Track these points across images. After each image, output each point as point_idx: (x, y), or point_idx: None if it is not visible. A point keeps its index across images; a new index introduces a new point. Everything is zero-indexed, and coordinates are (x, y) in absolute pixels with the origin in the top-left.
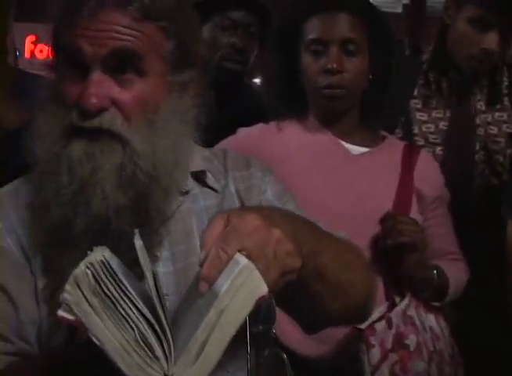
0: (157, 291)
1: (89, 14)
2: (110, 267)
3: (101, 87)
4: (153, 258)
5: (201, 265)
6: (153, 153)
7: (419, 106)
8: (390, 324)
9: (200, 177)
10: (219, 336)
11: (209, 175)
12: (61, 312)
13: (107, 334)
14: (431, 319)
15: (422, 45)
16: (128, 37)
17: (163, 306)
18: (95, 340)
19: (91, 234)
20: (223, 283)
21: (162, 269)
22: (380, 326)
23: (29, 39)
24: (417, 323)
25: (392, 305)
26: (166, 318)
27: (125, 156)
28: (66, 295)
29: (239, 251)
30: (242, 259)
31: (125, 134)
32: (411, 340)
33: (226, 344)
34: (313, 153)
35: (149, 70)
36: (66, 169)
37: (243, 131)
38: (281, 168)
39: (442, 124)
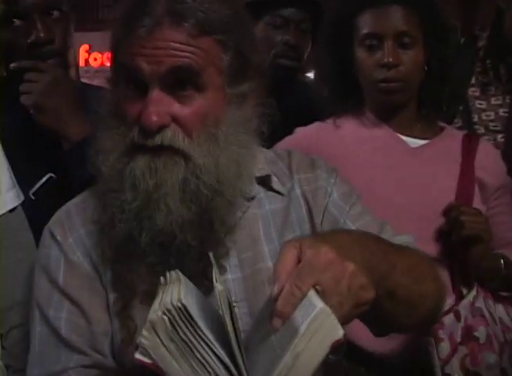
0: (236, 333)
1: (146, 33)
2: (187, 312)
3: (161, 105)
4: (222, 269)
5: (275, 299)
6: (216, 166)
7: (477, 93)
8: (458, 317)
9: (265, 181)
10: None
11: (274, 178)
12: (138, 356)
13: None
14: (500, 310)
15: (475, 30)
16: (186, 54)
17: (240, 349)
18: None
19: (157, 248)
20: (298, 321)
21: (230, 276)
22: (449, 319)
23: (83, 48)
24: (486, 314)
25: (459, 298)
26: (243, 360)
27: (188, 170)
28: (143, 340)
29: (313, 286)
30: (318, 301)
31: (187, 149)
32: (480, 332)
33: None
34: (372, 148)
35: (208, 84)
36: (130, 186)
37: (300, 131)
38: (340, 164)
39: (502, 111)
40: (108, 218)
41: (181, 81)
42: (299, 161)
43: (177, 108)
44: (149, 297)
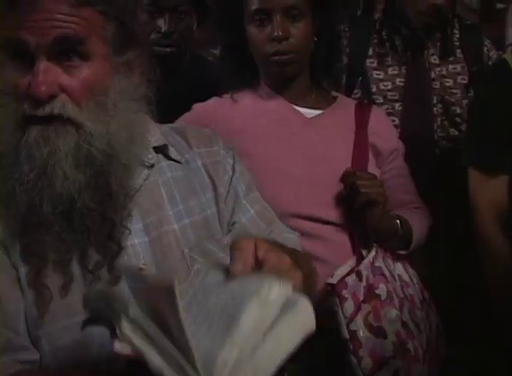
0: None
1: (28, 6)
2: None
3: (48, 75)
4: (126, 231)
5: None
6: (107, 132)
7: (374, 64)
8: (360, 277)
9: (163, 151)
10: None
11: (171, 148)
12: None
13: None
14: (399, 268)
15: (374, 3)
16: (69, 25)
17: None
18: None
19: (60, 216)
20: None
21: (136, 240)
22: (351, 279)
23: None
24: (386, 272)
25: (360, 259)
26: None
27: (80, 137)
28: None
29: None
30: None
31: (77, 117)
32: (381, 289)
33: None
34: (269, 121)
35: (93, 53)
36: (26, 157)
37: (198, 107)
38: (240, 137)
39: (399, 81)
40: (8, 192)
41: (66, 51)
42: (197, 136)
43: (64, 78)
44: (60, 265)
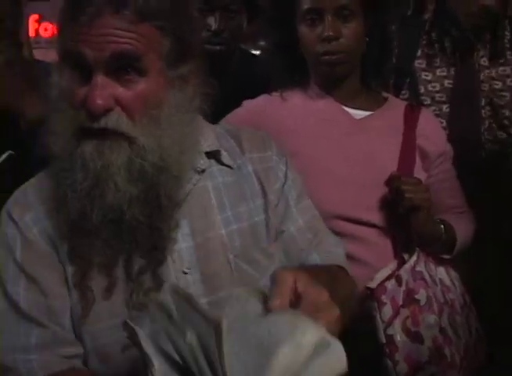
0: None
1: (88, 20)
2: None
3: (104, 89)
4: (172, 241)
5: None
6: (159, 146)
7: (423, 65)
8: (400, 281)
9: (215, 156)
10: None
11: (224, 153)
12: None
13: None
14: (441, 272)
15: (426, 3)
16: (127, 40)
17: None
18: None
19: (109, 225)
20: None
21: (183, 244)
22: (391, 284)
23: (32, 18)
24: (427, 277)
25: (401, 263)
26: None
27: (132, 152)
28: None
29: None
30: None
31: (131, 132)
32: (421, 294)
33: None
34: (318, 121)
35: (149, 68)
36: (80, 166)
37: (248, 104)
38: (289, 137)
39: (447, 83)
40: (61, 197)
41: (123, 66)
42: (250, 140)
43: (120, 92)
44: (105, 268)
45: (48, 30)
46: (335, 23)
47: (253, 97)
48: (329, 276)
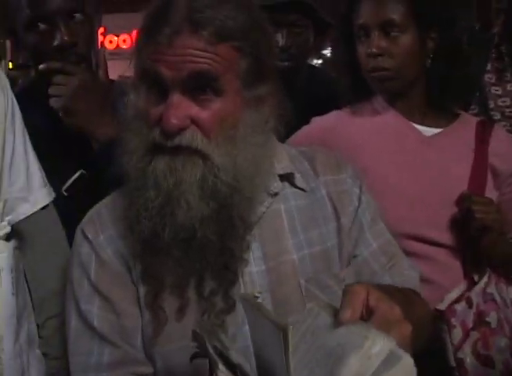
0: None
1: (166, 40)
2: None
3: (180, 108)
4: (243, 262)
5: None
6: (234, 165)
7: (493, 80)
8: (470, 304)
9: (289, 179)
10: None
11: (297, 175)
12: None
13: None
14: None
15: (492, 17)
16: (204, 60)
17: None
18: None
19: (180, 243)
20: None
21: (255, 268)
22: (461, 307)
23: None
24: (497, 299)
25: (471, 284)
26: None
27: (206, 169)
28: None
29: None
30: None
31: (205, 149)
32: (492, 317)
33: None
34: (386, 137)
35: (226, 89)
36: (153, 184)
37: (317, 121)
38: (357, 153)
39: None
40: (134, 216)
41: (200, 86)
42: (324, 162)
43: (196, 111)
44: (177, 288)
45: (112, 42)
46: (379, 39)
47: (321, 114)
48: (402, 295)
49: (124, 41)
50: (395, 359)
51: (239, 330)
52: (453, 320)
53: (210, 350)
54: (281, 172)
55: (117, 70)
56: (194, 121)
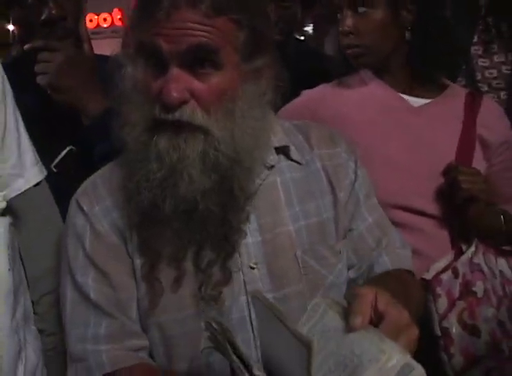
0: None
1: (165, 14)
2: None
3: (180, 81)
4: (242, 233)
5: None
6: (233, 138)
7: (480, 52)
8: (456, 274)
9: (284, 151)
10: None
11: (292, 148)
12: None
13: None
14: (502, 264)
15: None
16: (202, 33)
17: None
18: None
19: (181, 215)
20: None
21: (250, 239)
22: (447, 276)
23: None
24: (485, 269)
25: (459, 254)
26: None
27: (207, 143)
28: None
29: None
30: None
31: (205, 124)
32: (478, 287)
33: None
34: (374, 108)
35: (225, 62)
36: (155, 157)
37: (306, 93)
38: (345, 123)
39: (505, 69)
40: (133, 186)
41: (199, 60)
42: (318, 136)
43: (195, 84)
44: (174, 260)
45: (93, 21)
46: (349, 18)
47: (310, 87)
48: (403, 286)
49: (105, 19)
50: (408, 371)
51: (235, 302)
52: (438, 290)
53: (235, 358)
54: (277, 145)
55: (97, 50)
56: (193, 95)
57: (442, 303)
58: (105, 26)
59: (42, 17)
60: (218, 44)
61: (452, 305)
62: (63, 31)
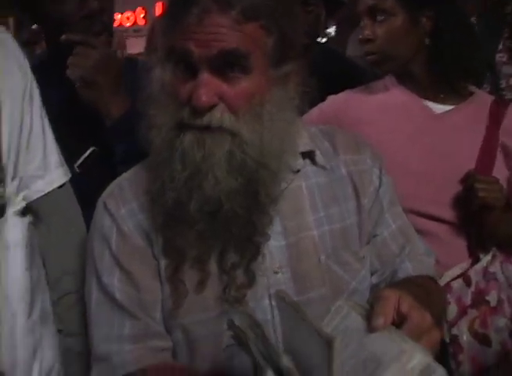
0: None
1: (196, 19)
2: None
3: (209, 86)
4: (265, 237)
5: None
6: (260, 141)
7: (504, 59)
8: (468, 282)
9: (310, 156)
10: None
11: (318, 153)
12: None
13: None
14: None
15: None
16: (233, 39)
17: None
18: None
19: (205, 216)
20: None
21: (274, 242)
22: (457, 284)
23: None
24: (500, 278)
25: (475, 262)
26: None
27: (234, 144)
28: None
29: None
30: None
31: (234, 127)
32: (491, 296)
33: None
34: (394, 114)
35: (254, 67)
36: (180, 157)
37: (331, 98)
38: (367, 129)
39: None
40: (158, 187)
41: (229, 64)
42: (344, 142)
43: (225, 88)
44: (199, 262)
45: (115, 19)
46: (368, 26)
47: (334, 91)
48: (425, 292)
49: (128, 18)
50: (430, 372)
51: (258, 305)
52: (448, 297)
53: (256, 353)
54: (303, 149)
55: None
56: (223, 99)
57: (452, 310)
58: (128, 25)
59: (84, 10)
60: (248, 49)
61: (463, 312)
62: (99, 26)
